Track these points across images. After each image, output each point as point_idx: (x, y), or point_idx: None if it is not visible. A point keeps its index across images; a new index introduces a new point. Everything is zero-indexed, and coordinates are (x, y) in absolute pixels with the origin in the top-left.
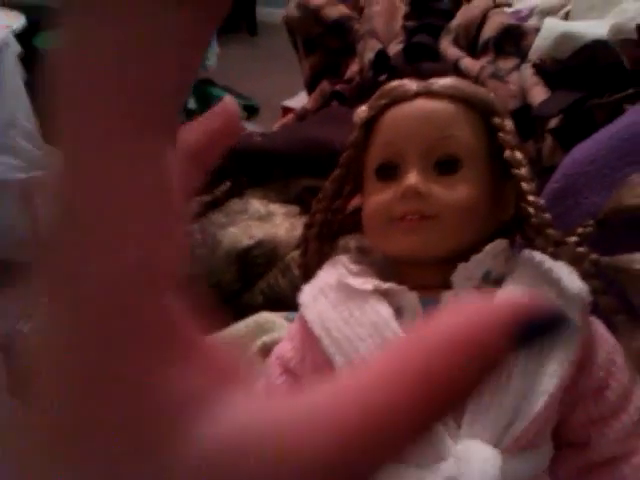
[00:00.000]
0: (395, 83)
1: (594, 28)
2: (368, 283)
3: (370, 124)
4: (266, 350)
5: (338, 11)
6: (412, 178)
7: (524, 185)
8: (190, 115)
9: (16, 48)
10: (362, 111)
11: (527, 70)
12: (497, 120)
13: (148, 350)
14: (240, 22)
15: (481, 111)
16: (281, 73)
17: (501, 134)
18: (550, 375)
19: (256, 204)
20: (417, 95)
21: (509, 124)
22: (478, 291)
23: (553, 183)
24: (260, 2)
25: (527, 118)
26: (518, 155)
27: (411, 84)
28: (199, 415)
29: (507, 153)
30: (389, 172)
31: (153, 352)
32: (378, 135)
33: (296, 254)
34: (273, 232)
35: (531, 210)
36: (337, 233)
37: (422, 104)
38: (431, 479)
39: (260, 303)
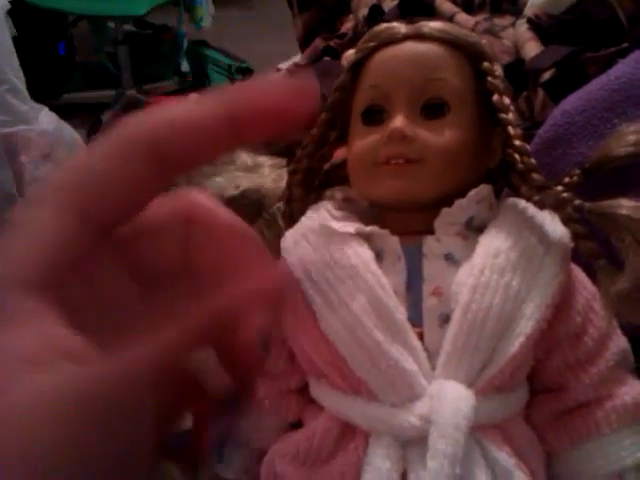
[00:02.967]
0: (384, 26)
1: None
2: (350, 226)
3: (358, 67)
4: None
5: None
6: (398, 121)
7: (511, 130)
8: (183, 77)
9: (4, 2)
10: (350, 54)
11: (522, 26)
12: (486, 64)
13: None
14: None
15: (470, 55)
16: (277, 36)
17: (490, 78)
18: (527, 317)
19: (244, 155)
20: (406, 38)
21: (498, 69)
22: (461, 237)
23: (542, 133)
24: None
25: (520, 72)
26: (506, 100)
27: (400, 27)
28: None
29: (495, 97)
30: (376, 116)
31: None
32: (365, 78)
33: (282, 205)
34: (259, 182)
35: (516, 155)
36: (323, 184)
37: (411, 47)
38: (405, 417)
39: None
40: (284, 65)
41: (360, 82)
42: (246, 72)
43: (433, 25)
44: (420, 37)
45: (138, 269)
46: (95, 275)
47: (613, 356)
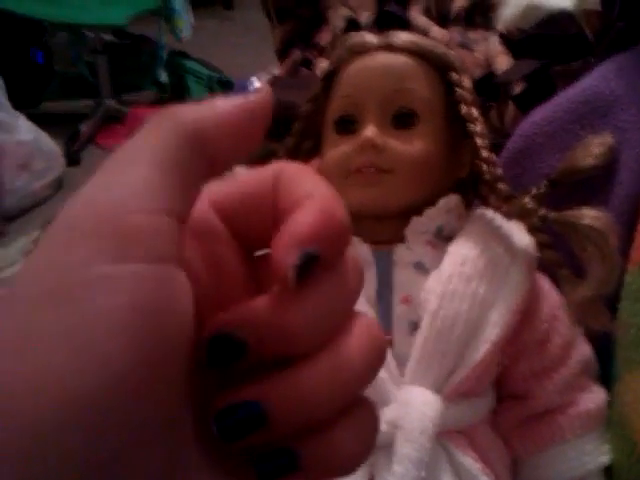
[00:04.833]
0: (356, 37)
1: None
2: None
3: (331, 77)
4: None
5: None
6: (369, 131)
7: (478, 140)
8: (162, 88)
9: None
10: (323, 65)
11: (494, 40)
12: (455, 76)
13: None
14: None
15: (439, 67)
16: (256, 48)
17: (458, 90)
18: (493, 324)
19: None
20: (377, 48)
21: (466, 81)
22: (430, 246)
23: (511, 144)
24: None
25: (492, 85)
26: (474, 111)
27: (371, 38)
28: None
29: (463, 109)
30: (348, 125)
31: None
32: (338, 88)
33: None
34: None
35: (484, 166)
36: None
37: (381, 57)
38: None
39: None
40: (262, 77)
41: (333, 92)
42: (226, 84)
43: (403, 36)
44: (391, 48)
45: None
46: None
47: (577, 364)
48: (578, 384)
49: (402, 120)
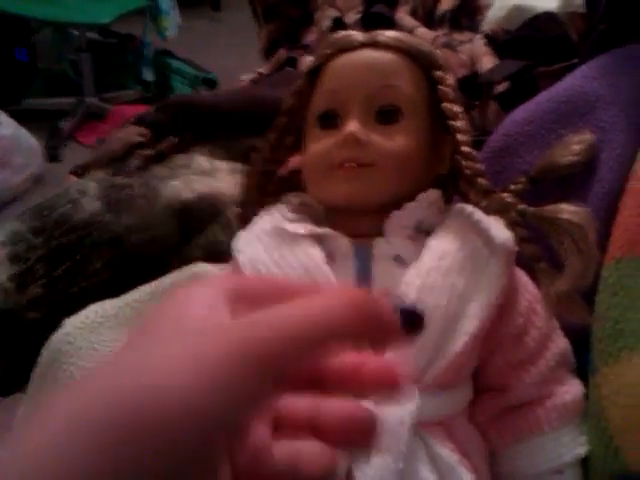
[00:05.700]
0: (342, 33)
1: (546, 1)
2: (301, 227)
3: (315, 73)
4: None
5: None
6: (352, 126)
7: (459, 136)
8: (146, 87)
9: None
10: (308, 60)
11: (479, 41)
12: (438, 73)
13: None
14: None
15: (423, 64)
16: (243, 49)
17: (441, 87)
18: (471, 317)
19: (201, 160)
20: (362, 45)
21: (450, 79)
22: (410, 240)
23: (492, 142)
24: None
25: (476, 85)
26: (456, 108)
27: (357, 35)
28: None
29: (445, 105)
30: (331, 121)
31: None
32: (322, 83)
33: (237, 208)
34: (216, 187)
35: (464, 161)
36: (279, 190)
37: (366, 54)
38: None
39: (199, 257)
40: (247, 77)
41: (317, 87)
42: (211, 83)
43: (388, 34)
44: (375, 45)
45: None
46: None
47: (554, 356)
48: (555, 377)
49: (385, 116)
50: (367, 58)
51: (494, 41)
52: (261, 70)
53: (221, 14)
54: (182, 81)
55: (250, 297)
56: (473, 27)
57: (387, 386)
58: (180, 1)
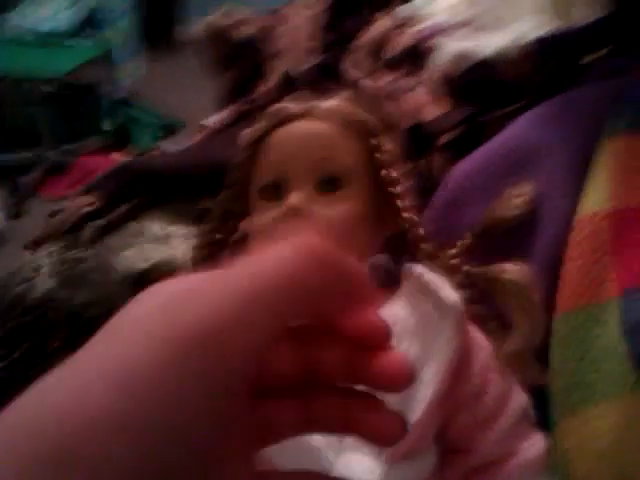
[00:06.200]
0: (278, 106)
1: (493, 42)
2: None
3: (255, 146)
4: None
5: (247, 31)
6: (293, 198)
7: (399, 202)
8: (106, 135)
9: None
10: (247, 133)
11: (421, 89)
12: (374, 141)
13: None
14: (162, 39)
15: (360, 132)
16: (205, 89)
17: (377, 154)
18: (426, 384)
19: (153, 226)
20: (300, 116)
21: (386, 144)
22: None
23: (440, 195)
24: (181, 19)
25: (421, 135)
26: (394, 173)
27: (294, 107)
28: None
29: (383, 172)
30: (273, 192)
31: None
32: (262, 156)
33: None
34: (170, 254)
35: (406, 226)
36: (234, 254)
37: (304, 126)
38: None
39: None
40: (209, 121)
41: (258, 159)
42: (171, 129)
43: (324, 105)
44: (312, 116)
45: None
46: None
47: (514, 412)
48: (517, 433)
49: (326, 185)
50: (304, 130)
51: (439, 88)
52: (214, 123)
53: (185, 54)
54: (142, 129)
55: None
56: (419, 72)
57: (390, 377)
58: (138, 45)
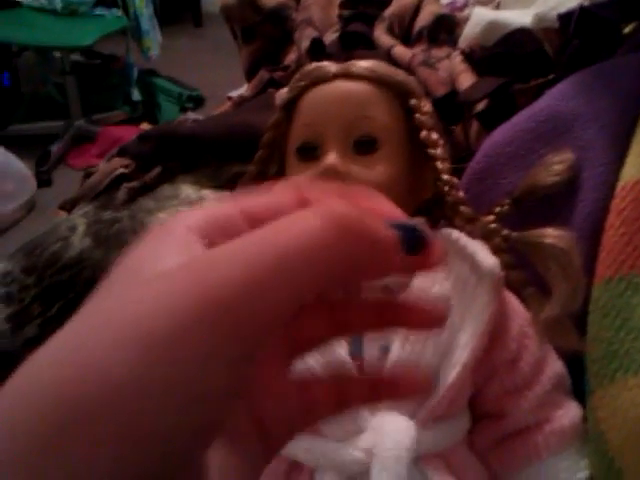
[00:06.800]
0: (314, 65)
1: (520, 17)
2: None
3: (291, 105)
4: None
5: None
6: (331, 158)
7: (439, 164)
8: (134, 106)
9: None
10: (283, 93)
11: (456, 57)
12: (414, 102)
13: None
14: (185, 13)
15: (398, 93)
16: (227, 64)
17: (417, 115)
18: (462, 347)
19: (187, 189)
20: (335, 77)
21: (426, 105)
22: None
23: (474, 164)
24: None
25: (454, 104)
26: (434, 135)
27: (330, 66)
28: None
29: (423, 134)
30: (310, 152)
31: None
32: (298, 116)
33: None
34: None
35: (445, 188)
36: None
37: (340, 85)
38: (348, 452)
39: None
40: (234, 93)
41: (294, 120)
42: (197, 101)
43: (361, 64)
44: (349, 76)
45: None
46: None
47: (549, 380)
48: (552, 401)
49: (363, 146)
50: (341, 90)
51: (471, 58)
52: (244, 92)
53: (203, 30)
54: (168, 99)
55: (227, 226)
56: (451, 42)
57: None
58: (161, 19)
